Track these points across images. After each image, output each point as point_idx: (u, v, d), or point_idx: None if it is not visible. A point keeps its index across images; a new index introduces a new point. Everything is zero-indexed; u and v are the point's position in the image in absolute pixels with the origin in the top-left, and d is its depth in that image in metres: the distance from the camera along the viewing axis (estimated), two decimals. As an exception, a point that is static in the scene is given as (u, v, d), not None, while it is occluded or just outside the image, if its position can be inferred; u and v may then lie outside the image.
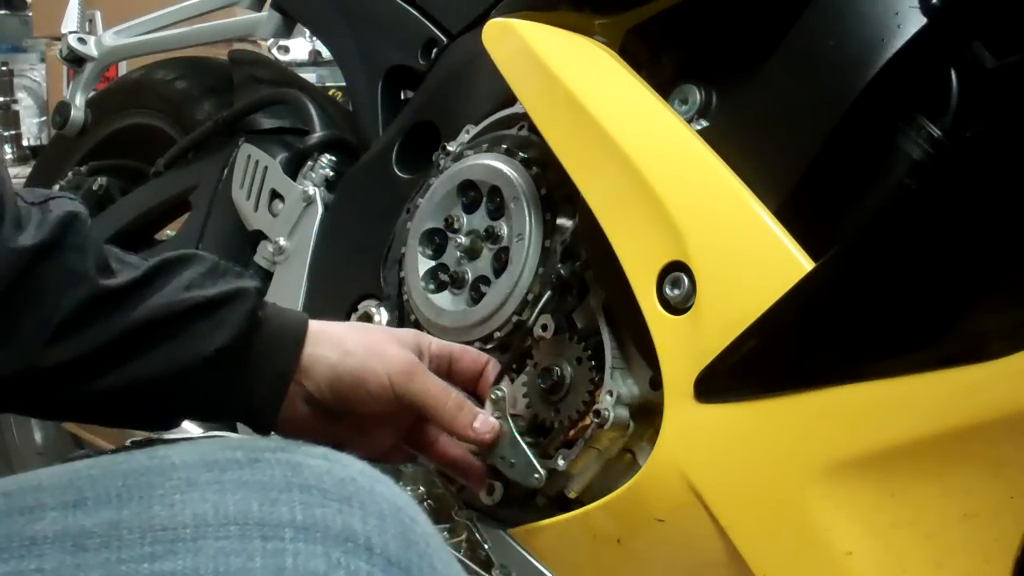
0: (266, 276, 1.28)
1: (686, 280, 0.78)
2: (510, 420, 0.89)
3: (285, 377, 0.67)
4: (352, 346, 0.71)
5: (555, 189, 0.96)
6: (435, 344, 0.82)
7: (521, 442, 0.89)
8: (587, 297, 0.92)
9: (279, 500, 0.41)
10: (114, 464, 0.43)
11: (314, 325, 0.71)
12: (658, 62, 0.92)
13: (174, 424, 0.69)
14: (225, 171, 1.42)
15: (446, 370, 0.83)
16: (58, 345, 0.60)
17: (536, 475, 0.88)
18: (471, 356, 0.85)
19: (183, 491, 0.41)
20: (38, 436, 1.74)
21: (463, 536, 0.82)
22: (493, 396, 0.89)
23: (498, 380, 0.91)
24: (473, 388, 0.86)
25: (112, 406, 0.64)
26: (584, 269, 0.92)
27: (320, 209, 1.26)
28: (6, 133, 4.76)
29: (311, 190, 1.28)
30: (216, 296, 0.65)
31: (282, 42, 3.09)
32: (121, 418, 0.66)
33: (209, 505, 0.41)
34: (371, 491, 0.44)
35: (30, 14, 4.90)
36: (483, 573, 0.78)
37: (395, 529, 0.42)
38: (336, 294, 1.18)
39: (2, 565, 0.38)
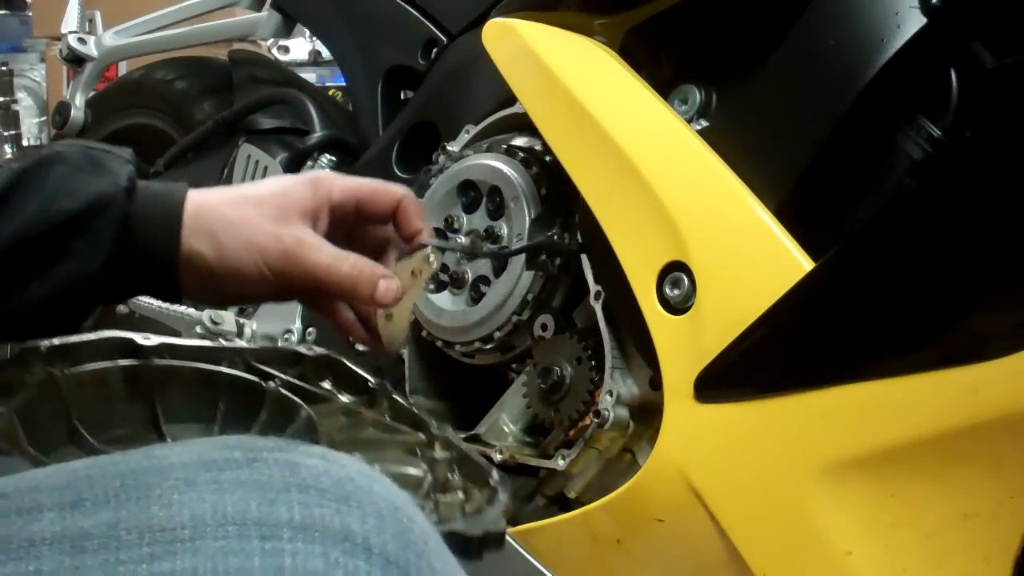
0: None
1: (686, 280, 0.78)
2: (424, 284, 0.83)
3: (170, 273, 0.66)
4: (223, 237, 0.67)
5: (555, 189, 0.96)
6: (337, 190, 0.72)
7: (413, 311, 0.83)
8: (587, 297, 0.92)
9: (277, 500, 0.41)
10: (112, 464, 0.43)
11: (190, 210, 0.67)
12: (658, 62, 0.92)
13: (72, 329, 0.69)
14: (225, 171, 1.42)
15: (352, 215, 0.73)
16: None
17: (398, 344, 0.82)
18: (383, 194, 0.72)
19: (181, 491, 0.41)
20: None
21: (384, 405, 0.78)
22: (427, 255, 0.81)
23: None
24: (389, 227, 0.75)
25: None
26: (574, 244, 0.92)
27: (320, 209, 1.26)
28: (6, 133, 4.75)
29: (311, 190, 1.27)
30: (80, 210, 0.63)
31: (282, 42, 3.09)
32: (15, 336, 0.67)
33: (207, 505, 0.40)
34: (369, 491, 0.43)
35: (30, 14, 4.90)
36: (411, 430, 0.74)
37: (393, 529, 0.42)
38: (336, 294, 1.18)
39: (1, 567, 0.39)
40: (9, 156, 4.74)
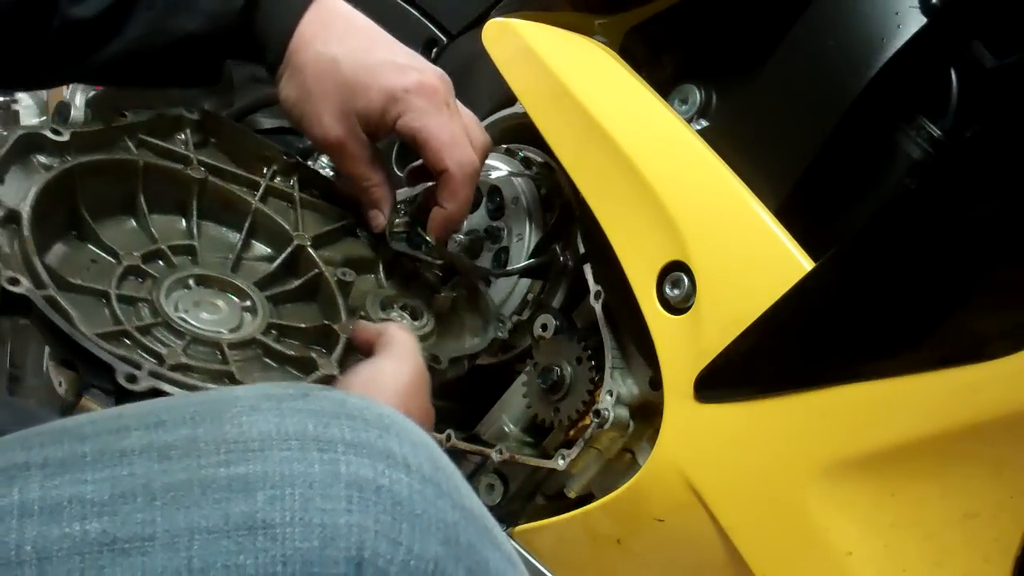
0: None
1: (686, 280, 0.78)
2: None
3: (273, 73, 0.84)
4: (299, 92, 0.82)
5: (555, 189, 0.96)
6: (401, 123, 0.81)
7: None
8: (587, 297, 0.92)
9: (330, 424, 0.48)
10: (186, 398, 0.51)
11: (292, 44, 0.82)
12: (658, 62, 0.92)
13: (210, 78, 0.86)
14: (225, 171, 1.41)
15: (413, 146, 0.84)
16: (58, 75, 0.80)
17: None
18: (433, 154, 0.81)
19: (248, 415, 0.48)
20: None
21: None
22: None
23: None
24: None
25: (144, 62, 0.81)
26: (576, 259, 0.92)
27: (320, 209, 1.26)
28: (6, 133, 4.75)
29: (311, 190, 1.27)
30: (196, 29, 0.80)
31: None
32: (156, 75, 0.84)
33: (272, 425, 0.47)
34: (403, 425, 0.50)
35: (30, 14, 4.90)
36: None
37: (426, 454, 0.49)
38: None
39: (99, 472, 0.45)
40: (9, 156, 4.74)
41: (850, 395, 0.70)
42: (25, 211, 0.67)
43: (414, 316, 0.83)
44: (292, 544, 0.44)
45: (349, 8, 0.85)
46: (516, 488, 0.97)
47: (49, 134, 0.74)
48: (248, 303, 0.75)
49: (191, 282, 0.75)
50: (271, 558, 0.43)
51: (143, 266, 0.73)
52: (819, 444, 0.72)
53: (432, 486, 0.48)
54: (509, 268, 0.89)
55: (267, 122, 1.45)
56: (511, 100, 1.01)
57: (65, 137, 0.74)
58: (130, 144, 0.79)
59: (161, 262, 0.75)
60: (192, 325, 0.71)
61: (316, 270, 0.80)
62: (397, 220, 0.87)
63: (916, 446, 0.68)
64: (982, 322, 0.66)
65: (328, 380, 0.70)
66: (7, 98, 4.86)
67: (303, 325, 0.76)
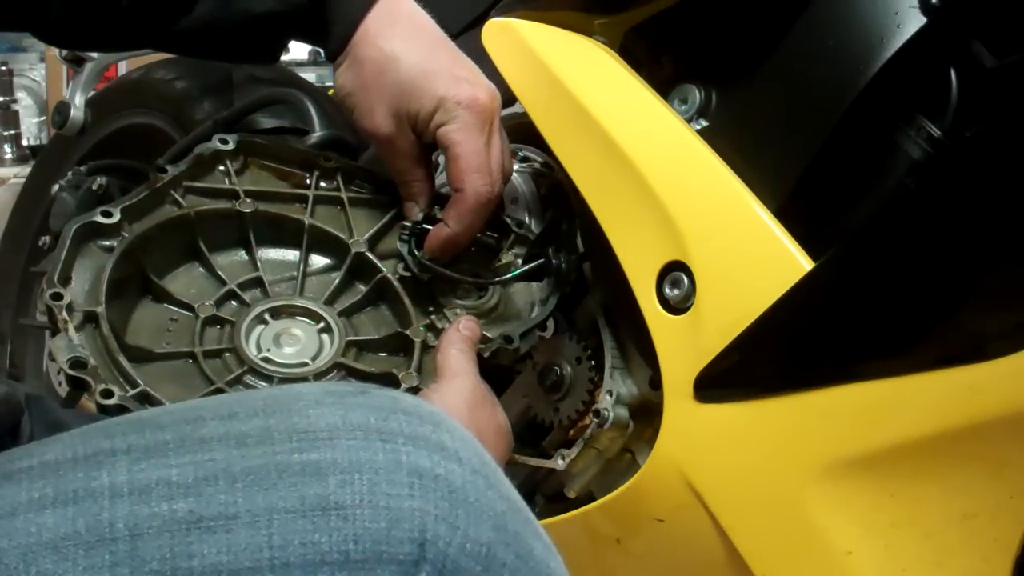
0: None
1: (686, 280, 0.78)
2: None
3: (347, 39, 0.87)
4: (356, 85, 0.86)
5: (555, 189, 0.96)
6: (440, 132, 0.85)
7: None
8: (587, 297, 0.92)
9: (390, 417, 0.51)
10: (254, 393, 0.57)
11: (355, 36, 0.86)
12: (658, 62, 0.92)
13: (272, 54, 0.91)
14: (225, 171, 1.41)
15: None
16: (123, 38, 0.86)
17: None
18: (455, 171, 0.85)
19: (315, 408, 0.51)
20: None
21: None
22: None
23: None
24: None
25: (213, 37, 0.86)
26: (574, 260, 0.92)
27: (320, 209, 1.26)
28: (6, 133, 4.75)
29: (311, 190, 1.27)
30: (265, 12, 0.85)
31: (282, 42, 3.08)
32: (222, 50, 0.89)
33: (337, 417, 0.50)
34: (452, 422, 0.53)
35: (30, 14, 4.89)
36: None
37: (475, 450, 0.53)
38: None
39: (181, 458, 0.48)
40: (9, 156, 4.74)
41: (850, 395, 0.70)
42: (100, 311, 0.70)
43: (480, 288, 0.87)
44: (362, 524, 0.47)
45: (415, 7, 0.89)
46: (516, 488, 0.96)
47: (101, 219, 0.77)
48: (323, 324, 0.80)
49: (266, 316, 0.79)
50: (344, 536, 0.47)
51: (219, 313, 0.77)
52: (819, 444, 0.72)
53: (482, 477, 0.51)
54: (506, 276, 0.89)
55: (267, 122, 1.45)
56: (511, 100, 1.01)
57: (116, 218, 0.78)
58: (176, 196, 0.82)
59: (234, 303, 0.79)
60: (276, 365, 0.75)
61: (379, 274, 0.84)
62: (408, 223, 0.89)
63: (916, 446, 0.68)
64: (982, 322, 0.66)
65: (413, 392, 0.75)
66: (7, 98, 4.84)
67: (378, 336, 0.81)
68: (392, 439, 0.50)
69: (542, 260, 0.91)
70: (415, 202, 0.88)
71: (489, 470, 0.53)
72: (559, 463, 0.90)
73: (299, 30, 0.88)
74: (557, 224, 0.95)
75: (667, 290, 0.80)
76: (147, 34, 0.87)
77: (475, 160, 0.84)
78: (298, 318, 0.79)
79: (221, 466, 0.48)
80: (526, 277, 0.91)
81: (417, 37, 0.87)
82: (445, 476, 0.50)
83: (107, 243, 0.77)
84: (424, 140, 0.86)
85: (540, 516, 0.93)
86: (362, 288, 0.84)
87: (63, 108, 1.67)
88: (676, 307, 0.79)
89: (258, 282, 0.81)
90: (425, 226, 0.87)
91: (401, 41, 0.85)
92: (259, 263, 0.82)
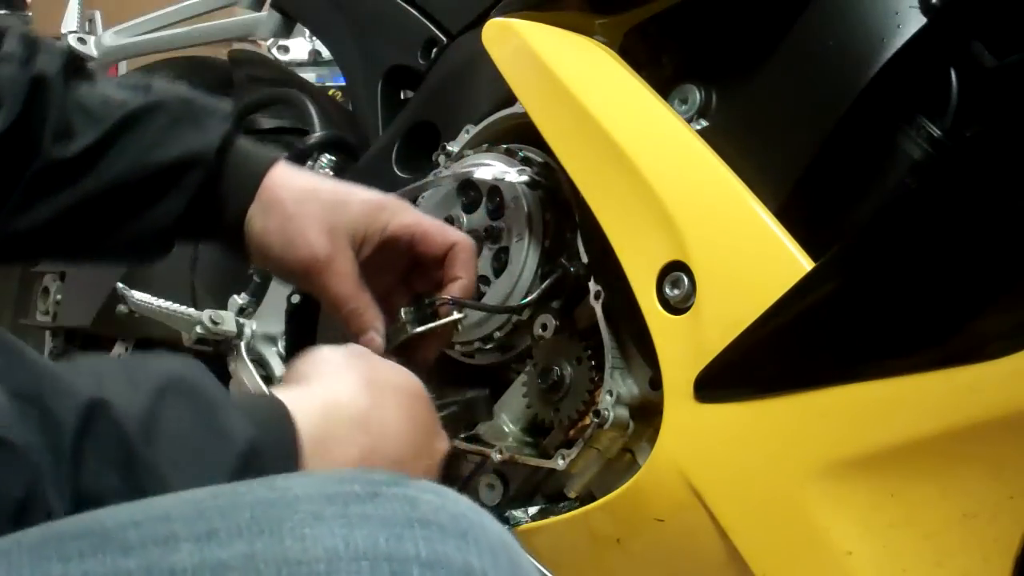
0: (265, 277, 1.28)
1: (686, 280, 0.78)
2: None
3: (237, 232, 0.78)
4: (276, 221, 0.78)
5: (555, 189, 0.96)
6: (395, 224, 0.80)
7: None
8: (587, 297, 0.92)
9: (403, 536, 0.43)
10: (238, 495, 0.44)
11: (265, 183, 0.78)
12: (658, 62, 0.92)
13: (155, 260, 0.82)
14: (225, 171, 1.41)
15: (405, 247, 0.82)
16: (25, 213, 0.74)
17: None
18: (438, 236, 0.81)
19: (311, 525, 0.42)
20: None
21: None
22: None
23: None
24: (439, 269, 0.83)
25: (89, 255, 0.80)
26: (583, 268, 0.92)
27: (320, 209, 1.26)
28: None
29: (311, 190, 1.27)
30: (173, 163, 0.75)
31: (282, 42, 3.09)
32: (103, 262, 0.86)
33: (339, 539, 0.42)
34: (482, 526, 0.45)
35: (30, 14, 4.90)
36: None
37: (506, 564, 0.45)
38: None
39: None
40: (9, 156, 4.74)
41: (850, 395, 0.70)
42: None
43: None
44: None
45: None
46: (516, 488, 0.97)
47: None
48: None
49: None
50: None
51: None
52: (819, 444, 0.72)
53: None
54: (530, 297, 0.91)
55: (267, 122, 1.45)
56: (511, 100, 1.01)
57: None
58: None
59: None
60: None
61: None
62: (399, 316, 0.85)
63: (916, 446, 0.68)
64: (982, 322, 0.66)
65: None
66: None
67: None
68: (405, 569, 0.42)
69: (559, 272, 0.91)
70: (374, 331, 0.79)
71: None
72: (559, 463, 0.89)
73: (203, 190, 0.78)
74: (561, 233, 0.95)
75: (667, 290, 0.80)
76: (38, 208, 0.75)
77: (437, 223, 0.83)
78: None
79: None
80: (547, 293, 0.92)
81: (322, 178, 0.85)
82: None
83: None
84: (364, 253, 0.80)
85: (540, 516, 0.94)
86: None
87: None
88: (676, 307, 0.79)
89: None
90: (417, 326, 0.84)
91: (311, 178, 0.82)
92: None
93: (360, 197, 0.80)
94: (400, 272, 0.84)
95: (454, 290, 0.82)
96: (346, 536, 0.42)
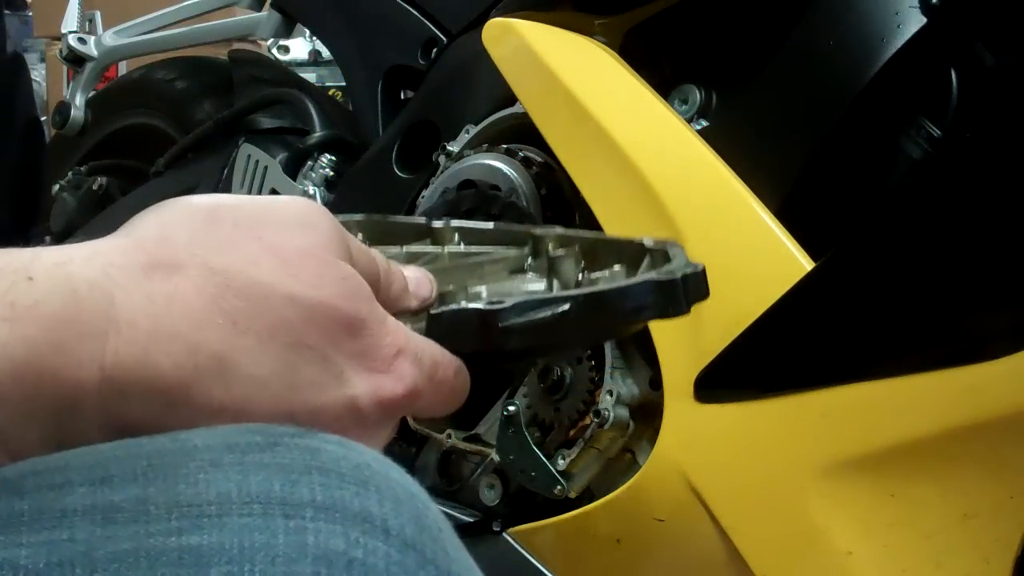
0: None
1: (686, 280, 0.78)
2: (526, 433, 0.86)
3: None
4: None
5: (555, 189, 0.96)
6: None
7: (538, 452, 0.86)
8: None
9: (299, 482, 0.41)
10: (138, 446, 0.42)
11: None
12: (658, 62, 0.92)
13: None
14: (225, 171, 1.42)
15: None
16: None
17: (559, 486, 0.87)
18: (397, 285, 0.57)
19: (207, 471, 0.40)
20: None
21: (455, 238, 0.63)
22: (506, 412, 0.87)
23: (512, 393, 0.89)
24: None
25: None
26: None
27: (320, 209, 1.26)
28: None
29: (311, 190, 1.28)
30: None
31: (282, 42, 3.09)
32: None
33: (232, 484, 0.40)
34: (386, 476, 0.43)
35: (30, 14, 4.90)
36: (504, 248, 0.60)
37: (410, 513, 0.42)
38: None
39: (35, 535, 0.38)
40: (9, 156, 4.75)
41: (850, 395, 0.70)
42: None
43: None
44: None
45: None
46: (516, 488, 0.96)
47: None
48: None
49: None
50: None
51: None
52: (819, 444, 0.72)
53: (414, 553, 0.41)
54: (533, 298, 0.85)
55: (267, 122, 1.45)
56: (511, 100, 1.01)
57: None
58: None
59: None
60: None
61: None
62: None
63: (916, 446, 0.68)
64: (982, 322, 0.66)
65: None
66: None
67: None
68: (298, 513, 0.40)
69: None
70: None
71: (428, 537, 0.42)
72: (559, 463, 0.89)
73: None
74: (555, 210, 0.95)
75: (667, 290, 0.80)
76: None
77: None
78: None
79: (80, 548, 0.38)
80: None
81: None
82: (363, 560, 0.40)
83: None
84: None
85: (540, 516, 0.94)
86: None
87: (63, 108, 1.67)
88: (676, 307, 0.79)
89: None
90: None
91: None
92: None
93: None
94: None
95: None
96: (240, 482, 0.40)
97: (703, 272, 0.49)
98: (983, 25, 0.75)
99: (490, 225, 0.61)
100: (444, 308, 0.47)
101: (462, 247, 0.61)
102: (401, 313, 0.47)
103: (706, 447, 0.78)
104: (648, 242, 0.54)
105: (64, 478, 0.40)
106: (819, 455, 0.72)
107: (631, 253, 0.55)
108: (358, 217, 0.64)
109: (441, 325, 0.47)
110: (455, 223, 0.62)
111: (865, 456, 0.70)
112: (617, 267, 0.53)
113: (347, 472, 0.42)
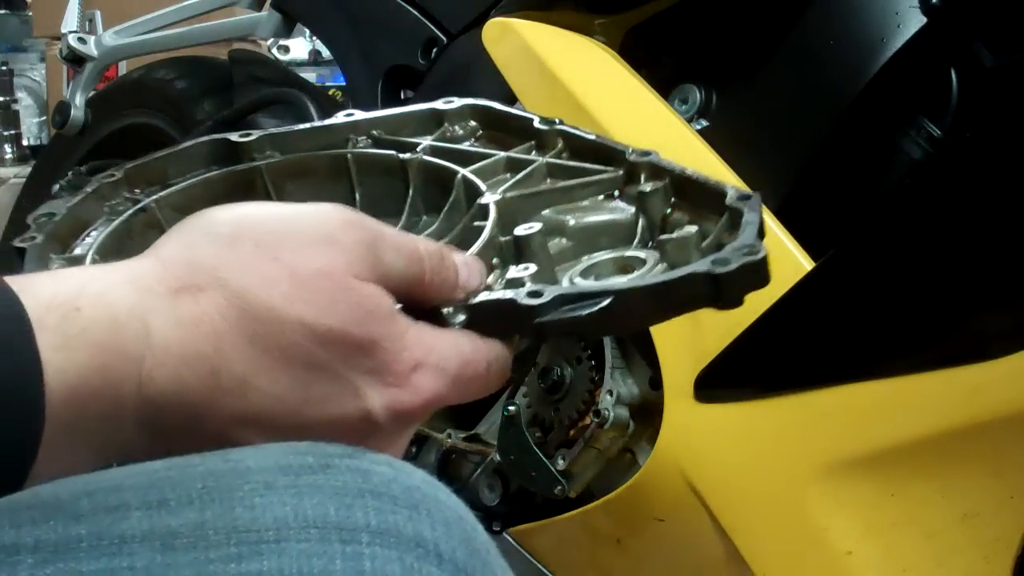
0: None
1: (686, 280, 0.78)
2: (526, 433, 0.87)
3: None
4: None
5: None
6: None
7: (539, 453, 0.87)
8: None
9: (354, 505, 0.42)
10: (190, 466, 0.43)
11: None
12: (658, 62, 0.92)
13: None
14: (225, 171, 1.42)
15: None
16: None
17: (559, 486, 0.87)
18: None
19: (262, 494, 0.41)
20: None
21: (559, 145, 0.61)
22: (507, 412, 0.87)
23: (512, 393, 0.89)
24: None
25: None
26: None
27: (320, 209, 1.26)
28: (6, 133, 4.75)
29: (311, 190, 1.28)
30: None
31: (282, 42, 3.09)
32: None
33: (289, 509, 0.41)
34: (436, 499, 0.44)
35: (30, 14, 4.90)
36: (601, 166, 0.58)
37: (460, 537, 0.43)
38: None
39: (94, 562, 0.39)
40: (9, 156, 4.74)
41: (850, 395, 0.70)
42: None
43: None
44: None
45: None
46: (516, 488, 0.97)
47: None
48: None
49: None
50: None
51: None
52: (819, 444, 0.72)
53: None
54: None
55: (267, 122, 1.45)
56: (511, 100, 1.01)
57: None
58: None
59: None
60: None
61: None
62: None
63: (916, 446, 0.68)
64: (983, 322, 0.66)
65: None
66: (7, 98, 4.82)
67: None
68: (354, 538, 0.41)
69: None
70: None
71: (478, 561, 0.43)
72: (559, 463, 0.89)
73: None
74: None
75: (667, 290, 0.80)
76: None
77: None
78: None
79: None
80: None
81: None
82: None
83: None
84: None
85: (540, 516, 0.94)
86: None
87: (63, 108, 1.67)
88: (676, 307, 0.79)
89: None
90: None
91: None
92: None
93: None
94: None
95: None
96: (296, 506, 0.41)
97: (762, 260, 0.47)
98: (983, 25, 0.75)
99: (592, 135, 0.61)
100: (483, 299, 0.48)
101: (562, 159, 0.61)
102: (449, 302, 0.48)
103: (706, 447, 0.78)
104: (731, 195, 0.52)
105: (119, 500, 0.41)
106: (819, 455, 0.72)
107: (712, 204, 0.54)
108: (471, 101, 0.65)
109: (479, 315, 0.48)
110: (560, 127, 0.62)
111: (866, 456, 0.70)
112: (691, 228, 0.52)
113: (399, 495, 0.42)
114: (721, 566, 0.80)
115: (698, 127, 0.84)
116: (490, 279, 0.51)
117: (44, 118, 4.75)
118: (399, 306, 0.46)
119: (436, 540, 0.42)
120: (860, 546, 0.71)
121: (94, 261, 0.55)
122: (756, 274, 0.48)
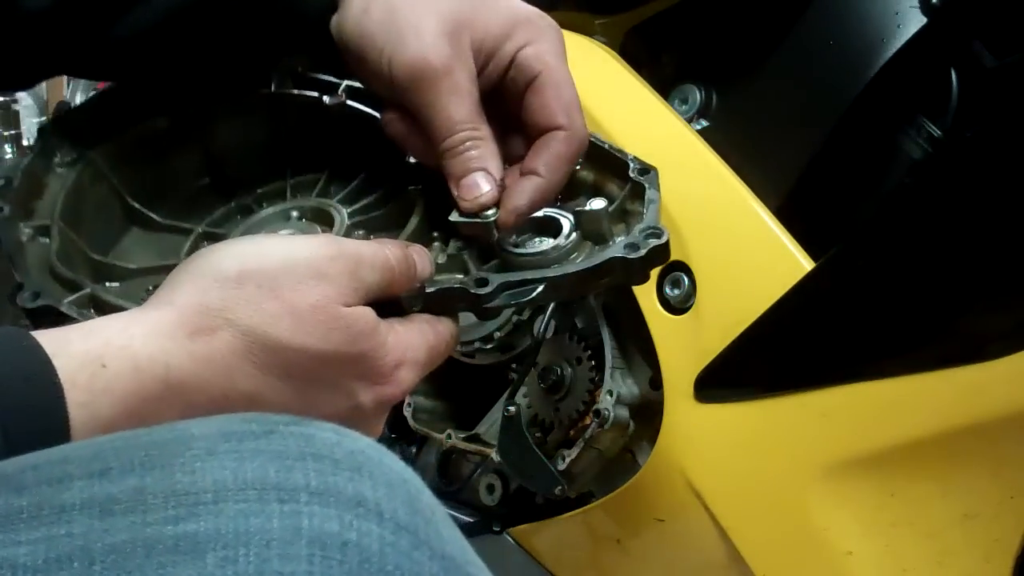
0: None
1: (686, 280, 0.78)
2: (526, 433, 0.87)
3: (321, 29, 0.63)
4: (380, 15, 0.60)
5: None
6: (530, 51, 0.63)
7: (539, 453, 0.87)
8: (587, 297, 0.92)
9: (294, 468, 0.43)
10: (136, 437, 0.45)
11: None
12: (658, 62, 0.92)
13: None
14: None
15: (519, 92, 0.63)
16: (123, 19, 0.62)
17: (559, 487, 0.87)
18: (552, 102, 0.62)
19: (203, 459, 0.43)
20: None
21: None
22: (507, 412, 0.87)
23: (512, 393, 0.89)
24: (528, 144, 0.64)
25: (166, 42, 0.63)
26: None
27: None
28: (6, 133, 4.75)
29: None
30: None
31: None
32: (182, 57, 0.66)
33: (228, 472, 0.42)
34: (379, 462, 0.45)
35: (30, 14, 4.89)
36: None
37: (402, 497, 0.44)
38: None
39: (33, 532, 0.40)
40: (9, 156, 4.74)
41: (850, 395, 0.70)
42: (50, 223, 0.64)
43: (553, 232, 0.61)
44: None
45: None
46: (516, 488, 0.97)
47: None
48: (330, 223, 0.66)
49: (263, 221, 0.68)
50: None
51: (217, 230, 0.67)
52: (819, 444, 0.72)
53: (408, 535, 0.43)
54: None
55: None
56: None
57: None
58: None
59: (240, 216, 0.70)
60: None
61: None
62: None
63: (916, 446, 0.68)
64: (983, 322, 0.66)
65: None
66: (7, 98, 4.82)
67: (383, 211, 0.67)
68: (293, 498, 0.41)
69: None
70: (484, 171, 0.60)
71: (421, 520, 0.44)
72: (559, 463, 0.89)
73: None
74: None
75: (667, 290, 0.80)
76: (58, 56, 0.67)
77: (570, 91, 0.62)
78: (311, 223, 0.67)
79: (79, 543, 0.39)
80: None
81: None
82: (357, 542, 0.41)
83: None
84: (488, 73, 0.62)
85: (540, 516, 0.94)
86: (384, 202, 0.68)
87: (63, 108, 1.67)
88: (676, 307, 0.79)
89: (281, 193, 0.69)
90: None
91: None
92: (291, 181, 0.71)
93: (504, 2, 0.62)
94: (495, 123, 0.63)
95: (524, 192, 0.60)
96: (236, 469, 0.42)
97: (666, 243, 0.56)
98: (983, 25, 0.75)
99: None
100: (439, 288, 0.57)
101: None
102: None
103: (706, 447, 0.78)
104: (632, 167, 0.63)
105: (63, 472, 0.42)
106: (819, 455, 0.72)
107: (615, 170, 0.64)
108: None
109: (435, 302, 0.57)
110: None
111: (865, 456, 0.70)
112: (600, 202, 0.61)
113: (341, 458, 0.44)
114: (721, 566, 0.80)
115: (698, 127, 0.84)
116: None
117: (44, 118, 4.75)
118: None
119: (377, 500, 0.43)
120: (860, 546, 0.71)
121: (59, 226, 0.62)
122: (661, 254, 0.57)
